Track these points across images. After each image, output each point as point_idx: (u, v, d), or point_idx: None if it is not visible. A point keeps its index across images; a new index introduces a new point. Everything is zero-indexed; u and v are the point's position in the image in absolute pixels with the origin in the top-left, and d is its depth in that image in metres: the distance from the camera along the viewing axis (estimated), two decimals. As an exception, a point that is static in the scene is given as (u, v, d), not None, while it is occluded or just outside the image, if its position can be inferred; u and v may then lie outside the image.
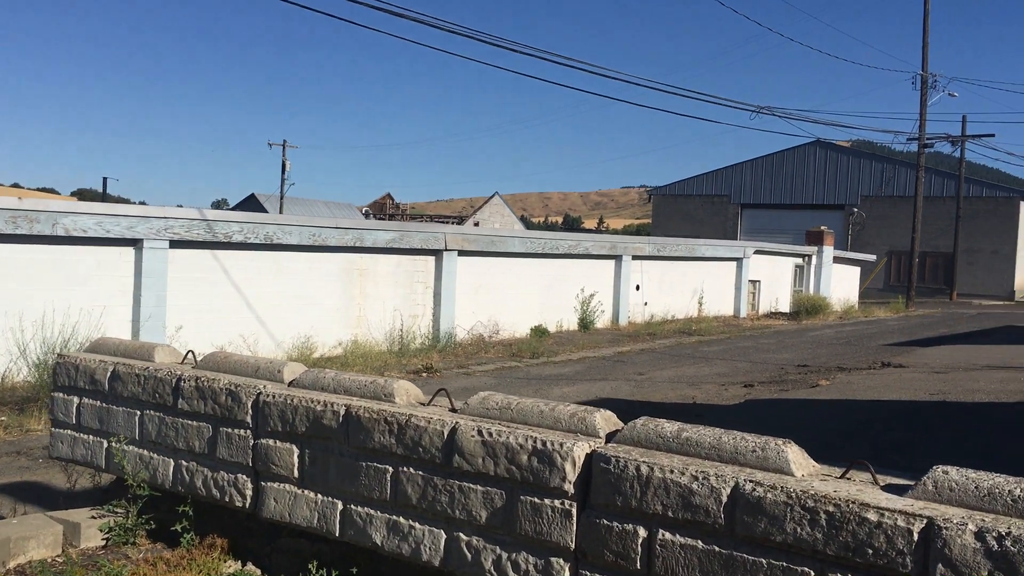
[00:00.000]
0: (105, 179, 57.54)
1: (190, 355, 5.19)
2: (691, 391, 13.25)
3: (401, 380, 4.35)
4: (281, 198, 71.06)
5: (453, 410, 4.03)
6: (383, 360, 14.79)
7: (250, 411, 4.48)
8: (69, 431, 5.32)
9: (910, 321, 28.15)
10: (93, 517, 4.88)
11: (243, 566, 4.46)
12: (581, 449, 3.40)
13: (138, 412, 4.96)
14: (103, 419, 5.13)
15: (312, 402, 4.24)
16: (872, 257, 38.39)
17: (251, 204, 79.87)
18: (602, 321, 21.95)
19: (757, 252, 27.83)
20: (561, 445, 3.42)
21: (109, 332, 12.16)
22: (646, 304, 23.44)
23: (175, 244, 13.37)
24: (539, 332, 19.79)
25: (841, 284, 32.24)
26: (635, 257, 22.78)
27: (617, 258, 22.29)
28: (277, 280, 14.92)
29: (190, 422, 4.71)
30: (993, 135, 42.41)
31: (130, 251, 12.98)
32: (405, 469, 3.89)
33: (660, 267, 24.00)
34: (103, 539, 4.79)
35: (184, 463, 4.75)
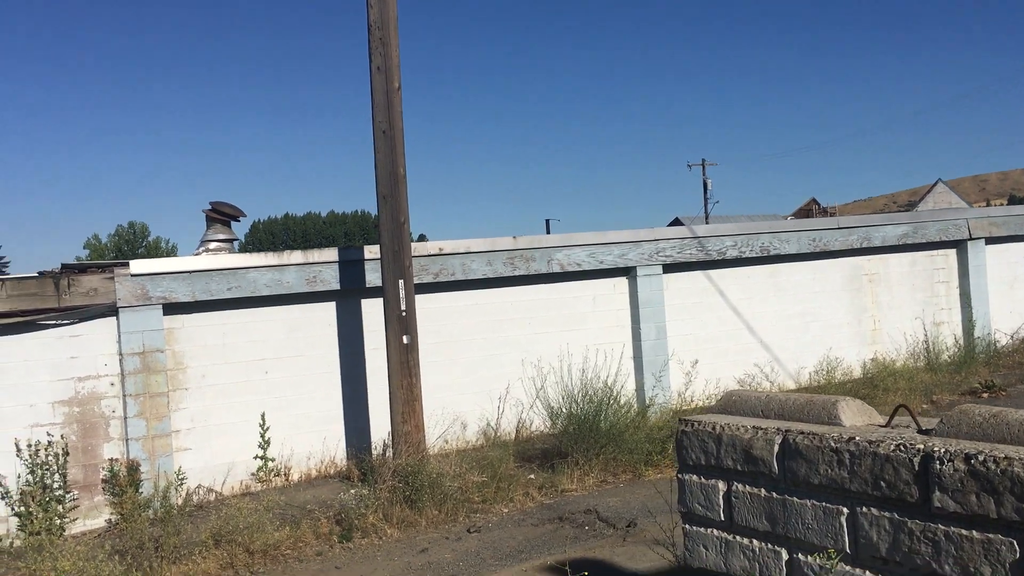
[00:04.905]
0: (548, 221, 60.51)
1: (903, 415, 3.27)
2: None
3: None
4: (706, 218, 69.85)
5: None
6: (921, 380, 12.04)
7: (1121, 521, 2.39)
8: (715, 531, 3.66)
9: None
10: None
11: None
12: None
13: (844, 510, 3.13)
14: (775, 517, 3.38)
15: None
16: None
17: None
18: None
19: None
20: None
21: (624, 372, 11.01)
22: None
23: (668, 268, 11.98)
24: (1101, 329, 15.50)
25: None
26: None
27: None
28: (775, 297, 12.93)
29: (963, 532, 2.75)
30: None
31: (623, 281, 11.83)
32: None
33: None
34: None
35: (960, 603, 2.80)
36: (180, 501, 8.79)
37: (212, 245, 10.15)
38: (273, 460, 9.63)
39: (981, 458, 2.68)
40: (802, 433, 3.28)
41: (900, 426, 3.25)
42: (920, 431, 3.13)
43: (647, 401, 10.84)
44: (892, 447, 2.96)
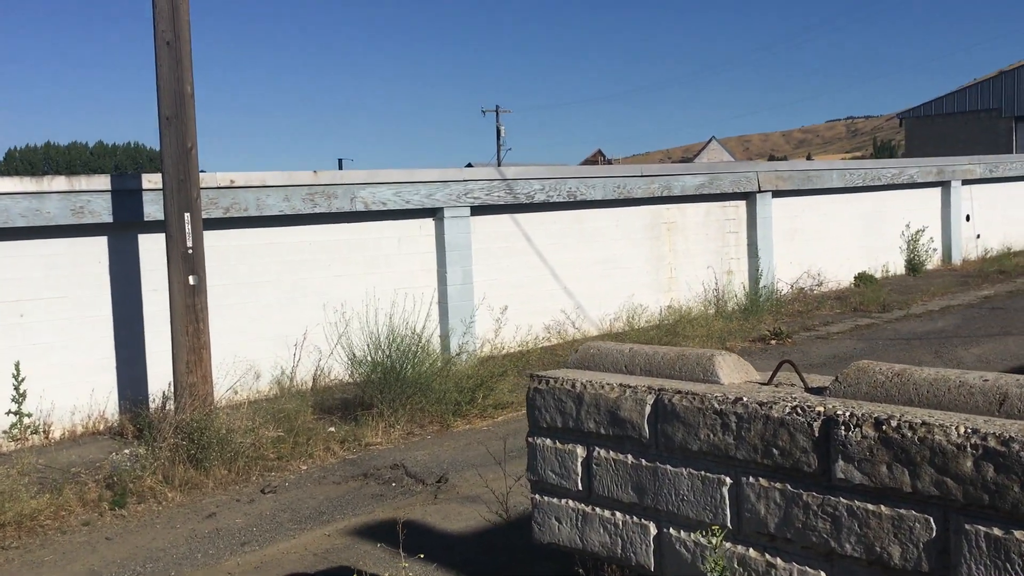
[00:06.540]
0: (340, 160, 58.28)
1: (787, 372, 2.94)
2: None
3: None
4: (499, 165, 70.08)
5: None
6: (716, 328, 12.37)
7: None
8: (571, 502, 3.23)
9: None
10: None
11: None
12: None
13: (727, 480, 2.77)
14: (643, 487, 2.99)
15: None
16: None
17: (468, 174, 79.78)
18: (932, 262, 18.48)
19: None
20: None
21: (432, 318, 10.48)
22: (979, 237, 19.68)
23: (476, 210, 11.53)
24: (864, 280, 16.74)
25: None
26: (964, 182, 19.05)
27: (944, 185, 18.66)
28: (580, 243, 12.84)
29: (869, 507, 2.45)
30: None
31: (430, 223, 11.26)
32: None
33: (990, 192, 20.08)
34: None
35: (860, 583, 2.50)
36: (-90, 467, 7.42)
37: (-49, 165, 8.58)
38: (30, 416, 8.37)
39: (894, 424, 2.37)
40: (679, 393, 2.89)
41: (784, 384, 2.93)
42: (808, 390, 2.81)
43: (456, 348, 10.41)
44: (787, 410, 2.61)
